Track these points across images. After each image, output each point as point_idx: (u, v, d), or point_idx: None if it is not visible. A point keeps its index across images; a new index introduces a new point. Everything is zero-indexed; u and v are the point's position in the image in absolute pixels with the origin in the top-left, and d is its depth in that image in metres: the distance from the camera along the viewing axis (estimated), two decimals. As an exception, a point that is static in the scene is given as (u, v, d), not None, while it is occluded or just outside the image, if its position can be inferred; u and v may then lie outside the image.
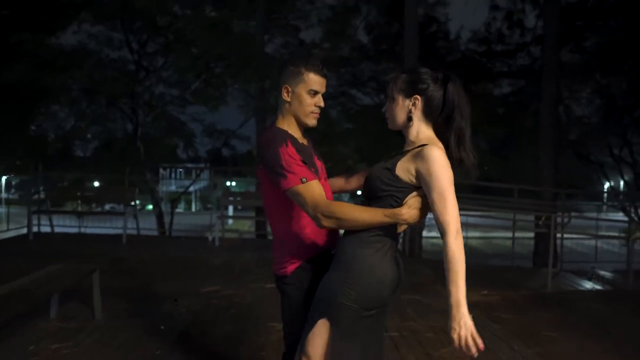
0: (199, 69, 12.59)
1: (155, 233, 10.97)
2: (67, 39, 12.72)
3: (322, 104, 1.89)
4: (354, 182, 2.06)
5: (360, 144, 16.44)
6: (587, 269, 7.85)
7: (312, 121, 1.90)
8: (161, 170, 24.10)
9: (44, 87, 11.12)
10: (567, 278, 7.07)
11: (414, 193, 1.67)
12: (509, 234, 10.71)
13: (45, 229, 8.26)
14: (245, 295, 4.80)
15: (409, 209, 1.65)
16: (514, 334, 4.03)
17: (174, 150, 18.85)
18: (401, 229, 1.74)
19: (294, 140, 1.83)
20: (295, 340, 1.85)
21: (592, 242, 9.90)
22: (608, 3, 13.02)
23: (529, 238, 11.15)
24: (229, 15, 11.47)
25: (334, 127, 15.84)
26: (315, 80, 1.86)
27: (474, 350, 1.49)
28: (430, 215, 1.73)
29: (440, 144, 1.71)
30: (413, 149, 1.68)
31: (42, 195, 8.17)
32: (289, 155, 1.73)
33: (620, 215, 16.20)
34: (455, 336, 1.51)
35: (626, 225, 9.13)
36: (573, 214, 7.80)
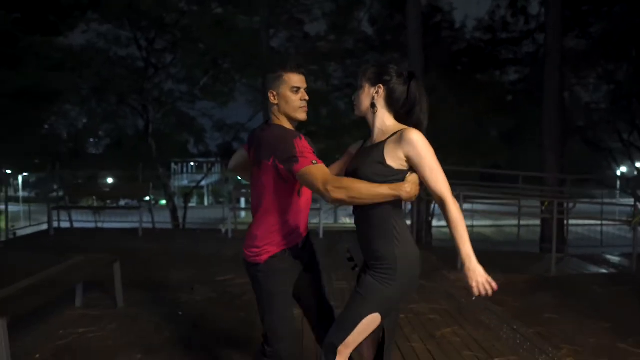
0: (206, 66, 12.77)
1: (169, 227, 11.24)
2: (76, 39, 12.95)
3: (306, 97, 2.10)
4: (335, 170, 2.19)
5: (367, 135, 16.55)
6: (594, 254, 7.99)
7: (302, 115, 2.10)
8: (173, 166, 24.44)
9: (55, 88, 11.37)
10: (572, 263, 7.21)
11: (409, 174, 1.86)
12: (523, 222, 10.83)
13: (65, 224, 8.54)
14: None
15: (410, 184, 1.84)
16: (515, 316, 4.20)
17: (185, 146, 19.11)
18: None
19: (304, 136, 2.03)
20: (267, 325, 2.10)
21: (606, 228, 9.92)
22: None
23: (539, 225, 11.27)
24: (233, 12, 11.61)
25: (340, 119, 15.96)
26: (294, 79, 2.08)
27: (490, 291, 1.79)
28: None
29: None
30: (391, 136, 1.87)
31: (61, 193, 8.45)
32: (303, 146, 1.93)
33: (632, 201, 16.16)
34: (473, 284, 1.80)
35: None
36: (577, 199, 7.87)
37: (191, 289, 4.73)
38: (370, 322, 1.88)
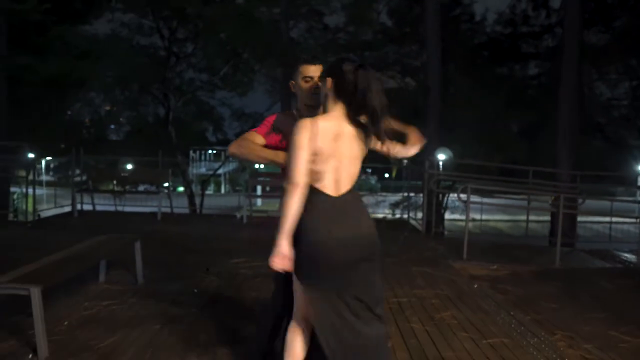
0: (226, 56, 12.99)
1: (187, 212, 11.59)
2: (101, 28, 13.31)
3: (319, 84, 2.27)
4: None
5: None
6: (602, 249, 8.07)
7: (311, 101, 2.33)
8: (191, 153, 24.82)
9: (81, 76, 11.72)
10: (579, 256, 7.32)
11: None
12: (536, 217, 10.89)
13: (87, 207, 8.91)
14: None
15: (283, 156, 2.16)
16: (514, 304, 4.38)
17: (204, 134, 19.44)
18: None
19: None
20: None
21: (625, 225, 9.86)
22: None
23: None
24: (254, 3, 11.81)
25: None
26: (307, 69, 2.32)
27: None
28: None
29: (327, 118, 2.03)
30: None
31: (84, 177, 8.82)
32: (266, 120, 2.47)
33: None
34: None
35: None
36: (586, 195, 7.94)
37: (206, 269, 4.99)
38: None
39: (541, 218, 11.47)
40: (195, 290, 4.29)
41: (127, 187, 9.22)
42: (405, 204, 10.96)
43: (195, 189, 16.08)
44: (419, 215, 9.21)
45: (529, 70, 16.29)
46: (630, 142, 18.27)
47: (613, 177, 14.54)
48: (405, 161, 13.12)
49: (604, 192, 11.62)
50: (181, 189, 16.28)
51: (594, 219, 10.83)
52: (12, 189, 11.54)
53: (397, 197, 14.18)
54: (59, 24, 10.74)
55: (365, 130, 2.04)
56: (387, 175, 37.13)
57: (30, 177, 8.46)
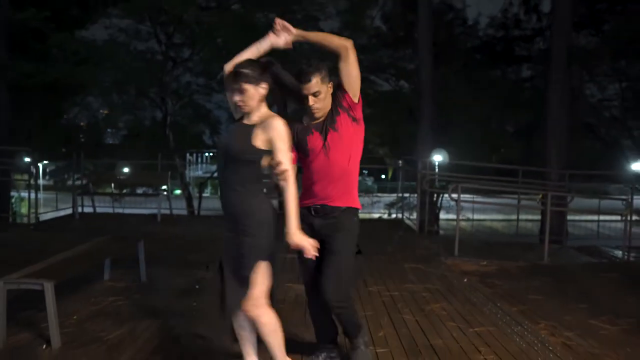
0: (223, 60, 13.16)
1: (185, 213, 11.77)
2: (99, 34, 13.49)
3: (314, 100, 2.50)
4: None
5: (380, 128, 16.90)
6: (591, 246, 8.30)
7: (312, 116, 2.57)
8: (188, 156, 24.97)
9: (80, 81, 11.91)
10: (568, 253, 7.55)
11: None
12: (530, 216, 11.12)
13: (88, 209, 9.08)
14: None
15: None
16: (502, 296, 4.58)
17: (201, 137, 19.61)
18: None
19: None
20: None
21: (613, 224, 10.11)
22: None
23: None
24: (250, 9, 12.01)
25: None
26: (304, 89, 2.49)
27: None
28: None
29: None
30: (260, 123, 2.30)
31: (85, 180, 9.00)
32: None
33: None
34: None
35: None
36: (574, 194, 8.18)
37: (206, 267, 5.17)
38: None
39: (534, 217, 11.71)
40: (197, 287, 4.49)
41: (127, 190, 9.41)
42: (400, 204, 11.18)
43: (193, 191, 16.25)
44: (415, 215, 9.42)
45: (522, 72, 16.60)
46: (621, 142, 18.59)
47: (603, 176, 14.82)
48: (400, 162, 13.37)
49: (594, 190, 11.82)
50: (178, 191, 16.44)
51: (585, 218, 11.08)
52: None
53: (392, 197, 14.43)
54: (57, 31, 10.94)
55: None
56: (383, 176, 37.44)
57: (32, 181, 8.63)
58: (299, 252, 2.33)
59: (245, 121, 2.35)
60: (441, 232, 11.67)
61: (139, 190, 9.69)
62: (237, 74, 2.31)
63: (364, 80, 16.33)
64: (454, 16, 15.16)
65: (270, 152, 2.26)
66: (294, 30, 2.45)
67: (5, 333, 3.08)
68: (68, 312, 3.65)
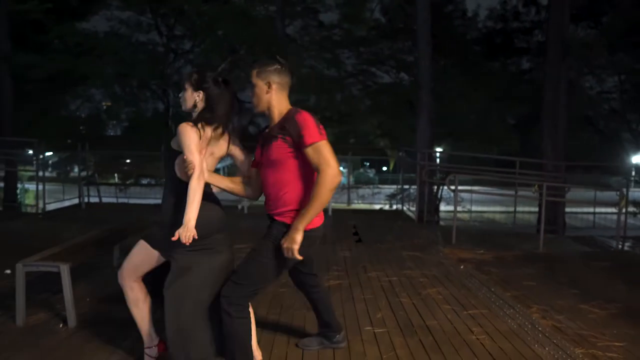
0: (224, 52, 13.30)
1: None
2: (100, 26, 13.57)
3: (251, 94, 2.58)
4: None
5: (380, 120, 17.03)
6: (587, 236, 8.47)
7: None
8: (190, 148, 25.06)
9: (83, 73, 12.02)
10: (564, 242, 7.72)
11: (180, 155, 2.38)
12: (532, 208, 11.25)
13: (94, 199, 9.26)
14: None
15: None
16: (496, 282, 4.76)
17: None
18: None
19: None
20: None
21: (613, 215, 10.25)
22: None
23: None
24: (250, 1, 12.11)
25: (356, 104, 16.39)
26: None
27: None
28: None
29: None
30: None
31: (90, 171, 9.18)
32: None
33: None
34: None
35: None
36: (570, 184, 8.34)
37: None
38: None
39: (533, 209, 11.88)
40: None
41: (131, 181, 9.58)
42: (400, 195, 11.35)
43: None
44: (413, 208, 9.61)
45: (522, 65, 16.71)
46: (621, 135, 18.72)
47: (601, 167, 14.97)
48: (401, 153, 13.53)
49: (590, 182, 11.96)
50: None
51: (584, 210, 11.24)
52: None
53: (393, 189, 14.58)
54: (59, 23, 11.04)
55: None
56: (384, 168, 37.61)
57: (38, 172, 8.80)
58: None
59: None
60: (441, 223, 11.86)
61: (144, 181, 9.86)
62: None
63: (364, 72, 16.49)
64: (453, 8, 15.24)
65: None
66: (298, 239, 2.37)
67: (25, 313, 3.26)
68: (80, 295, 3.82)
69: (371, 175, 31.47)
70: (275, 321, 3.47)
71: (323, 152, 2.33)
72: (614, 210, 9.68)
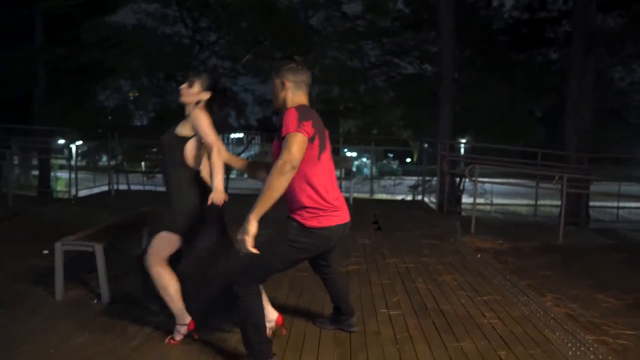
0: (248, 43, 13.48)
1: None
2: (128, 19, 13.89)
3: None
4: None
5: (404, 111, 17.02)
6: (610, 229, 8.41)
7: None
8: (215, 138, 25.42)
9: (112, 65, 12.38)
10: (584, 234, 7.69)
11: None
12: (553, 201, 11.18)
13: (122, 187, 9.60)
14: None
15: None
16: (512, 271, 4.83)
17: (227, 119, 20.00)
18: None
19: None
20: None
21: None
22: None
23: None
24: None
25: (380, 95, 16.41)
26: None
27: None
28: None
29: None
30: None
31: (119, 160, 9.52)
32: None
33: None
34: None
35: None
36: (594, 177, 8.26)
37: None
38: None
39: (558, 202, 11.77)
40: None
41: (158, 169, 9.88)
42: (421, 187, 11.41)
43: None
44: (426, 198, 9.68)
45: (548, 55, 16.41)
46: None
47: (631, 160, 14.66)
48: (426, 144, 13.54)
49: (617, 175, 11.77)
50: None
51: (610, 204, 11.08)
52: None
53: (415, 180, 14.63)
54: (89, 17, 11.40)
55: None
56: (409, 159, 37.47)
57: (70, 161, 9.17)
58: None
59: None
60: (462, 214, 11.87)
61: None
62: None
63: (387, 63, 16.44)
64: (478, -1, 15.06)
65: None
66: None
67: (63, 288, 3.51)
68: (111, 275, 4.04)
69: (394, 166, 31.40)
70: (294, 303, 3.64)
71: (289, 140, 2.34)
72: (638, 204, 9.60)
